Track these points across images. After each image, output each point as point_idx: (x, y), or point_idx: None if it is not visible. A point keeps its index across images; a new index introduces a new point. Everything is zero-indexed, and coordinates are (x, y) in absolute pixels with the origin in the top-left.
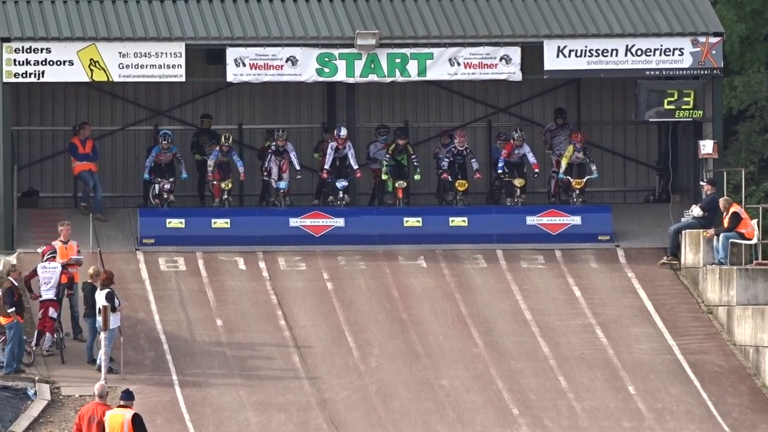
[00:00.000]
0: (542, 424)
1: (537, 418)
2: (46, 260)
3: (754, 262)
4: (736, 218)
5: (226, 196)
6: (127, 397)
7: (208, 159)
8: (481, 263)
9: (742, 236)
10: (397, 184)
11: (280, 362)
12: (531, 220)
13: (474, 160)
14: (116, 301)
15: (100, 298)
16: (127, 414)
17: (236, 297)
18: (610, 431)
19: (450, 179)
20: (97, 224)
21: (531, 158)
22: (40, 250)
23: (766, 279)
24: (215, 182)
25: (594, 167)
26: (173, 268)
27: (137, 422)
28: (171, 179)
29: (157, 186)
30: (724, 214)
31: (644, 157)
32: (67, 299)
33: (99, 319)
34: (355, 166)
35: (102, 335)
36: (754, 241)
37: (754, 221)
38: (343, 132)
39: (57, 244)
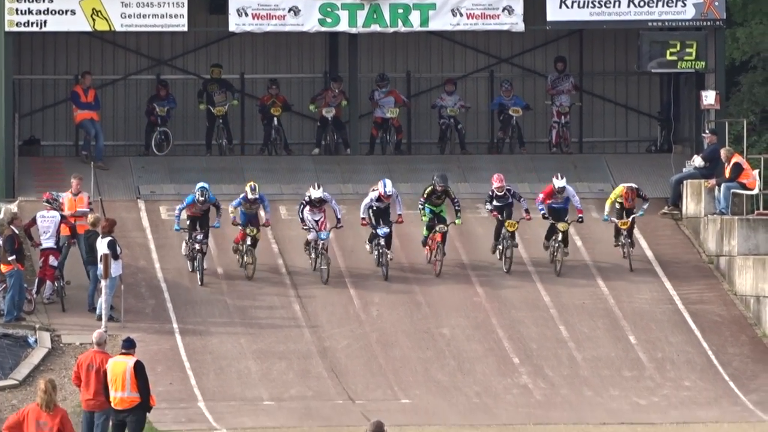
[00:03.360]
0: (543, 373)
1: (537, 368)
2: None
3: (756, 212)
4: (737, 168)
5: (249, 243)
6: (129, 345)
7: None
8: (482, 212)
9: (744, 186)
10: (437, 228)
11: (281, 311)
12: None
13: (523, 199)
14: (117, 249)
15: (102, 246)
16: (129, 362)
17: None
18: (610, 380)
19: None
20: (98, 173)
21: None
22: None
23: None
24: (240, 227)
25: (645, 206)
26: (174, 216)
27: (139, 370)
28: (204, 230)
29: (188, 243)
30: (726, 164)
31: (646, 108)
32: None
33: (100, 267)
34: (399, 212)
35: (103, 283)
36: (756, 191)
37: (756, 171)
38: (389, 188)
39: (66, 195)
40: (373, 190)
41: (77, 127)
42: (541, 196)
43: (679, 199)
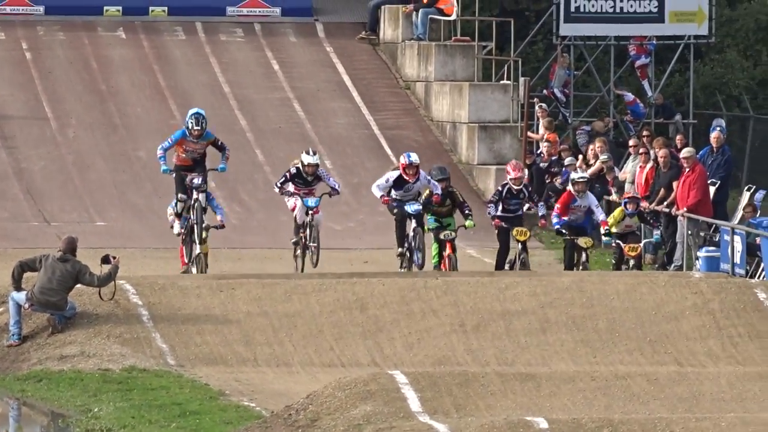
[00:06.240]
0: (238, 198)
1: (233, 191)
2: None
3: (453, 38)
4: None
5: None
6: None
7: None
8: (180, 35)
9: (441, 12)
10: (443, 236)
11: None
12: (231, 11)
13: (541, 204)
14: None
15: None
16: None
17: None
18: None
19: None
20: None
21: None
22: None
23: (465, 55)
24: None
25: (657, 232)
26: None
27: None
28: (202, 173)
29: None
30: None
31: None
32: None
33: None
34: (437, 192)
35: None
36: (453, 17)
37: None
38: (414, 157)
39: None
40: (393, 169)
41: None
42: (557, 207)
43: (377, 24)
